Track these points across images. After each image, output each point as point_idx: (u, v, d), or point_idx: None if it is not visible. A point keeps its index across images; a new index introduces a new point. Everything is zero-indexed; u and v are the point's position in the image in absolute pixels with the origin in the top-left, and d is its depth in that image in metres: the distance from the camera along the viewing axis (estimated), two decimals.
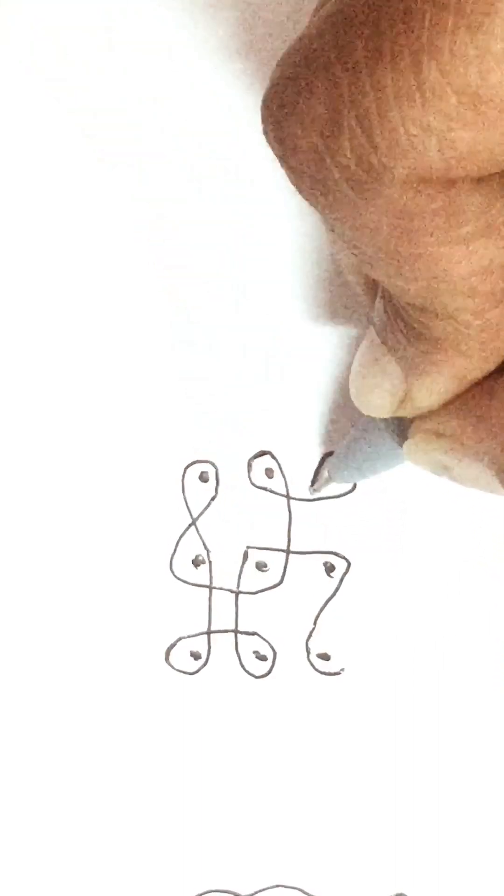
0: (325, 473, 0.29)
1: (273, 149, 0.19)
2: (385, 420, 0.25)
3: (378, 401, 0.24)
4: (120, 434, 0.29)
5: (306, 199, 0.20)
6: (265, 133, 0.20)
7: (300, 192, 0.20)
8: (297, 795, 0.29)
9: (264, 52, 0.28)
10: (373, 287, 0.25)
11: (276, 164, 0.28)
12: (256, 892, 0.29)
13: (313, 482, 0.29)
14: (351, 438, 0.28)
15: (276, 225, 0.29)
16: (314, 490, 0.29)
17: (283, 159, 0.19)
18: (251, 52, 0.28)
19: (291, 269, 0.29)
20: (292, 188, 0.28)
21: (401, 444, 0.25)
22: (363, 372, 0.24)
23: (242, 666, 0.29)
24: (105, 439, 0.29)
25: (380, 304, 0.23)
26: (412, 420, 0.24)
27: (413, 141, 0.17)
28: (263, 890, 0.29)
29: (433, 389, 0.23)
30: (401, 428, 0.25)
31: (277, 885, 0.29)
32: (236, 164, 0.29)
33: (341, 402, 0.29)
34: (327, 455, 0.29)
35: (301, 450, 0.29)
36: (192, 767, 0.29)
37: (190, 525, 0.29)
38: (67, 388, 0.29)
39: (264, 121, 0.19)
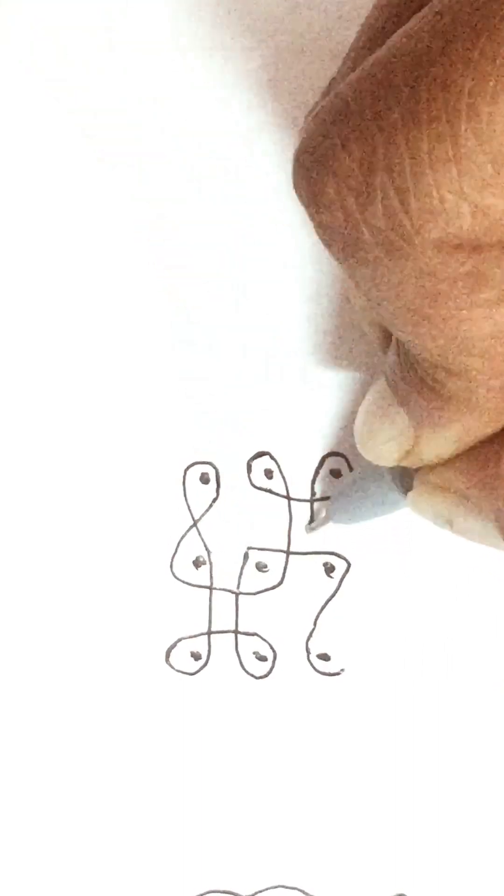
0: (322, 513, 0.29)
1: (304, 205, 0.19)
2: (389, 469, 0.25)
3: (384, 450, 0.24)
4: (121, 435, 0.29)
5: (333, 256, 0.20)
6: (296, 187, 0.19)
7: (328, 248, 0.20)
8: (298, 796, 0.29)
9: (265, 52, 0.28)
10: (385, 335, 0.25)
11: (276, 164, 0.28)
12: (256, 893, 0.29)
13: (310, 521, 0.29)
14: (351, 481, 0.28)
15: (276, 225, 0.29)
16: (311, 528, 0.29)
17: (314, 216, 0.19)
18: (252, 52, 0.28)
19: (291, 269, 0.29)
20: (291, 189, 0.28)
21: (404, 494, 0.25)
22: (370, 420, 0.24)
23: (242, 666, 0.29)
24: (106, 441, 0.29)
25: (393, 356, 0.23)
26: (416, 470, 0.24)
27: (446, 206, 0.17)
28: (263, 890, 0.29)
29: (441, 443, 0.23)
30: (404, 477, 0.25)
31: (277, 886, 0.29)
32: (236, 164, 0.29)
33: (342, 403, 0.29)
34: (327, 456, 0.29)
35: (301, 450, 0.29)
36: (193, 768, 0.29)
37: (191, 526, 0.29)
38: (67, 388, 0.29)
39: (296, 175, 0.19)
